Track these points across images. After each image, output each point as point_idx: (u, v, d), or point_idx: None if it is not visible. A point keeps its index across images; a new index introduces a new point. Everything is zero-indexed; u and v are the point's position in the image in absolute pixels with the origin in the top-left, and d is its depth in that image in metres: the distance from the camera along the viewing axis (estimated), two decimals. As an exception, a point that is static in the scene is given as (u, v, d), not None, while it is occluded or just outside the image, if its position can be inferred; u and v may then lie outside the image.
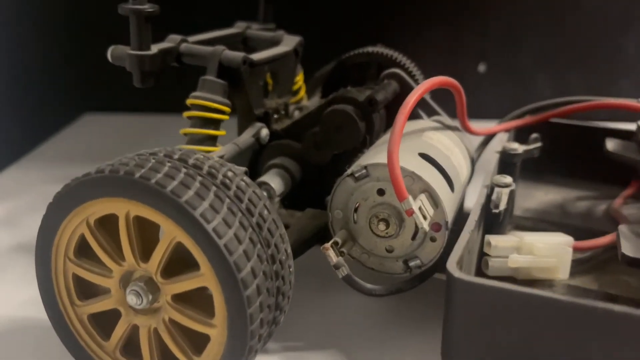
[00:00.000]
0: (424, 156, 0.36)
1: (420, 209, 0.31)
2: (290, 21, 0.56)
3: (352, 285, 0.33)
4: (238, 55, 0.39)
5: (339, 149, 0.41)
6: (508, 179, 0.36)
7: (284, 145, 0.43)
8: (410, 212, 0.31)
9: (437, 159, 0.36)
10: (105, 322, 0.31)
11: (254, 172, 0.44)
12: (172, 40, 0.40)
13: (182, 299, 0.29)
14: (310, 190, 0.43)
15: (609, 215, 0.46)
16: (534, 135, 0.44)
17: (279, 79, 0.45)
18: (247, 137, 0.41)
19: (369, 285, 0.34)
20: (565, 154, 0.52)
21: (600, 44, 0.84)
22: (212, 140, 0.39)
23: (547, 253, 0.35)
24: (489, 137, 0.47)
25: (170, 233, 0.27)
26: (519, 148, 0.42)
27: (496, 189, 0.35)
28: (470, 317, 0.26)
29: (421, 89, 0.33)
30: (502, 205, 0.33)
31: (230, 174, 0.29)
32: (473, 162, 0.43)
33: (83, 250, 0.30)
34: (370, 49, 0.47)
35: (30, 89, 0.78)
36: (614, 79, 0.86)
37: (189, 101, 0.39)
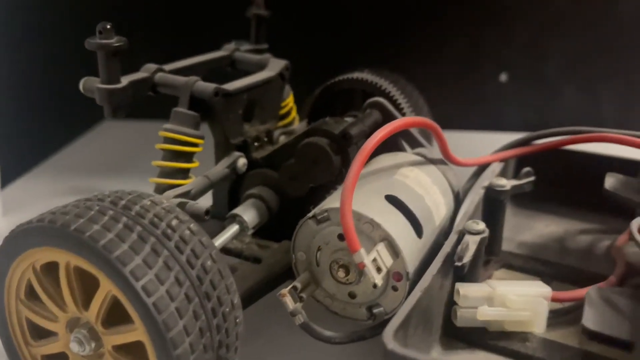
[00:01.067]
0: (391, 198, 0.34)
1: (375, 260, 0.30)
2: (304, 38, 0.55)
3: (310, 333, 0.32)
4: (210, 86, 0.38)
5: (315, 182, 0.39)
6: (481, 226, 0.34)
7: (262, 174, 0.42)
8: (362, 265, 0.29)
9: (408, 200, 0.35)
10: (57, 363, 0.32)
11: (236, 200, 0.43)
12: (147, 70, 0.40)
13: (123, 349, 0.29)
14: (288, 222, 0.41)
15: (609, 255, 0.43)
16: (526, 169, 0.42)
17: (262, 105, 0.44)
18: (220, 168, 0.40)
19: (327, 333, 0.32)
20: (571, 183, 0.49)
21: (635, 54, 0.78)
22: (183, 172, 0.39)
23: (521, 306, 0.33)
24: (482, 168, 0.45)
25: (105, 286, 0.27)
26: (507, 184, 0.40)
27: (466, 237, 0.33)
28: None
29: (382, 132, 0.31)
30: (468, 257, 0.31)
31: (174, 222, 0.29)
32: (459, 197, 0.41)
33: (33, 293, 0.30)
34: (355, 74, 0.45)
35: (49, 95, 0.80)
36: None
37: (160, 133, 0.38)
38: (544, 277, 0.41)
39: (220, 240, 0.38)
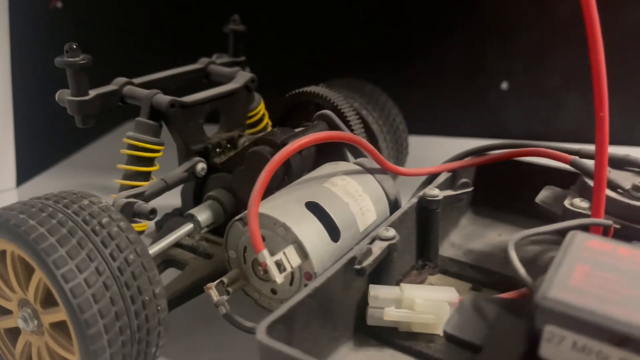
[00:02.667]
0: (312, 205, 0.37)
1: (280, 260, 0.33)
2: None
3: (232, 322, 0.36)
4: (166, 99, 0.43)
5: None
6: (390, 233, 0.36)
7: (221, 178, 0.46)
8: (264, 265, 0.33)
9: (329, 207, 0.38)
10: (16, 336, 0.37)
11: (199, 201, 0.48)
12: (116, 83, 0.45)
13: (58, 327, 0.33)
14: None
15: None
16: (463, 181, 0.44)
17: (227, 114, 0.48)
18: (178, 172, 0.44)
19: (248, 324, 0.36)
20: (529, 194, 0.50)
21: (638, 65, 0.77)
22: (144, 175, 0.44)
23: (426, 309, 0.35)
24: (432, 177, 0.47)
25: (37, 273, 0.32)
26: (439, 194, 0.42)
27: (375, 242, 0.36)
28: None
29: (291, 147, 0.35)
30: (368, 262, 0.34)
31: (105, 220, 0.33)
32: (397, 204, 0.43)
33: (-6, 276, 0.36)
34: (309, 88, 0.48)
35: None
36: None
37: (124, 140, 0.43)
38: (476, 284, 0.43)
39: (173, 237, 0.42)
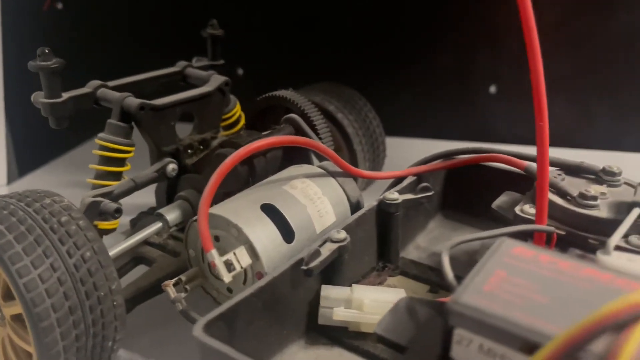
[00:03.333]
0: (267, 207, 0.38)
1: (229, 260, 0.35)
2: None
3: (188, 319, 0.37)
4: (136, 102, 0.44)
5: (226, 188, 0.44)
6: (341, 235, 0.37)
7: (191, 178, 0.48)
8: (213, 264, 0.34)
9: (285, 209, 0.39)
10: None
11: (171, 200, 0.49)
12: (90, 86, 0.46)
13: (18, 319, 0.35)
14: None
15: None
16: (423, 185, 0.45)
17: (200, 116, 0.50)
18: (149, 172, 0.46)
19: (204, 321, 0.37)
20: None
21: (625, 71, 0.77)
22: (114, 175, 0.45)
23: (374, 310, 0.36)
24: (398, 180, 0.48)
25: (-3, 268, 0.33)
26: (399, 197, 0.43)
27: (326, 244, 0.37)
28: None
29: (242, 152, 0.36)
30: (315, 263, 0.35)
31: (65, 219, 0.35)
32: (359, 207, 0.44)
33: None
34: (278, 92, 0.49)
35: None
36: (644, 107, 0.78)
37: (95, 141, 0.45)
38: (434, 286, 0.43)
39: (140, 236, 0.44)
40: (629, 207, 0.34)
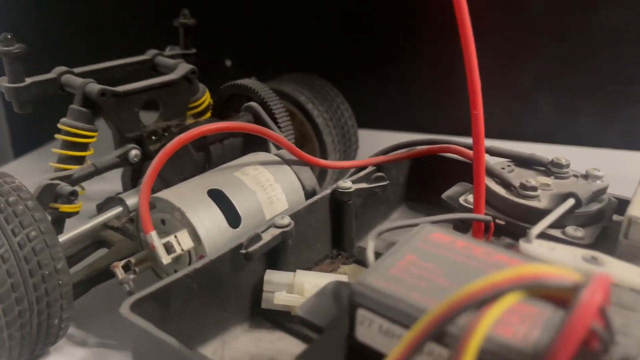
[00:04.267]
0: (214, 192, 0.39)
1: (169, 243, 0.35)
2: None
3: (135, 300, 0.38)
4: (96, 87, 0.45)
5: (182, 174, 0.45)
6: (285, 221, 0.38)
7: (153, 165, 0.49)
8: (152, 246, 0.35)
9: (233, 195, 0.39)
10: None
11: (136, 185, 0.50)
12: (55, 72, 0.47)
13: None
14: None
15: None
16: (378, 174, 0.45)
17: (165, 104, 0.50)
18: (110, 157, 0.47)
19: (151, 302, 0.38)
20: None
21: (613, 67, 0.76)
22: (76, 159, 0.46)
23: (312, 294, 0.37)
24: (359, 169, 0.48)
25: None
26: (352, 186, 0.43)
27: (269, 229, 0.37)
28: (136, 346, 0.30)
29: (184, 137, 0.37)
30: (254, 247, 0.35)
31: (12, 199, 0.36)
32: (315, 195, 0.45)
33: None
34: (241, 81, 0.50)
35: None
36: (629, 104, 0.78)
37: (58, 125, 0.46)
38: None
39: (99, 219, 0.45)
40: (565, 197, 0.34)
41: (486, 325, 0.17)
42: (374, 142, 0.69)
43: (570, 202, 0.33)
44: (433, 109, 0.86)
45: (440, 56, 0.83)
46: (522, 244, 0.29)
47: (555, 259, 0.28)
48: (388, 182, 0.45)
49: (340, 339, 0.26)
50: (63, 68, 0.48)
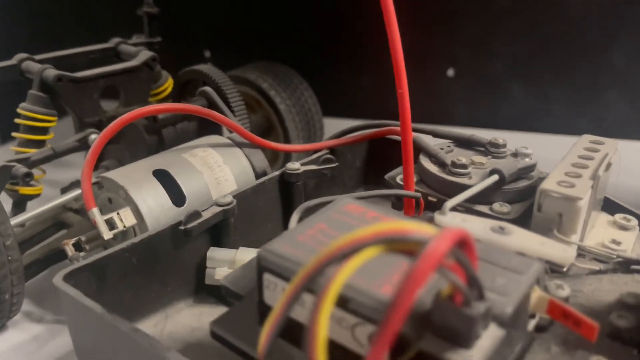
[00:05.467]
0: (161, 172, 0.40)
1: (111, 219, 0.37)
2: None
3: (85, 276, 0.40)
4: (52, 73, 0.46)
5: (135, 157, 0.46)
6: (227, 199, 0.39)
7: (113, 149, 0.50)
8: (94, 222, 0.36)
9: (178, 175, 0.41)
10: None
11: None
12: (16, 58, 0.49)
13: None
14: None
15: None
16: (327, 156, 0.46)
17: (125, 90, 0.52)
18: (69, 141, 0.48)
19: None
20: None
21: (583, 54, 0.77)
22: (36, 143, 0.47)
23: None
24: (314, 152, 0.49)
25: None
26: (300, 168, 0.44)
27: (213, 207, 0.39)
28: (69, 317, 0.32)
29: (126, 117, 0.38)
30: (194, 224, 0.37)
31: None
32: (264, 175, 0.46)
33: None
34: (197, 67, 0.51)
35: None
36: (598, 91, 0.78)
37: (17, 110, 0.47)
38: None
39: (57, 201, 0.46)
40: (490, 174, 0.35)
41: (344, 275, 0.18)
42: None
43: (494, 178, 0.35)
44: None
45: (414, 45, 0.83)
46: (437, 216, 0.30)
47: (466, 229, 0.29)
48: (337, 164, 0.46)
49: (253, 305, 0.28)
50: (24, 55, 0.49)
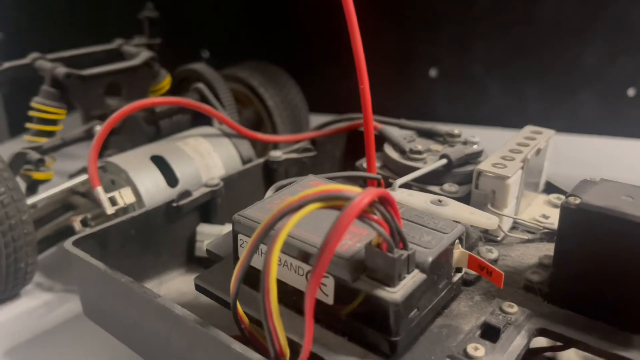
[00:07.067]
0: (157, 158, 0.46)
1: (113, 197, 0.42)
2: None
3: (90, 249, 0.45)
4: (63, 70, 0.52)
5: (135, 145, 0.52)
6: (215, 181, 0.45)
7: (117, 139, 0.56)
8: (99, 199, 0.42)
9: (173, 160, 0.46)
10: None
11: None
12: (30, 58, 0.54)
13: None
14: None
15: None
16: (305, 146, 0.52)
17: (129, 86, 0.57)
18: (77, 132, 0.54)
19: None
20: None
21: (556, 54, 0.82)
22: (47, 133, 0.53)
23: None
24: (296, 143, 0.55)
25: None
26: (282, 156, 0.50)
27: (202, 188, 0.44)
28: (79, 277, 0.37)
29: (127, 108, 0.43)
30: (184, 201, 0.42)
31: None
32: (250, 162, 0.51)
33: None
34: (192, 65, 0.57)
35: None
36: (572, 89, 0.84)
37: (31, 104, 0.53)
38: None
39: (66, 185, 0.52)
40: (440, 158, 0.41)
41: (290, 226, 0.24)
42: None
43: (443, 161, 0.40)
44: (392, 94, 0.92)
45: (398, 46, 0.89)
46: (389, 191, 0.36)
47: (411, 202, 0.35)
48: (315, 153, 0.52)
49: (231, 264, 0.33)
50: (37, 54, 0.55)
